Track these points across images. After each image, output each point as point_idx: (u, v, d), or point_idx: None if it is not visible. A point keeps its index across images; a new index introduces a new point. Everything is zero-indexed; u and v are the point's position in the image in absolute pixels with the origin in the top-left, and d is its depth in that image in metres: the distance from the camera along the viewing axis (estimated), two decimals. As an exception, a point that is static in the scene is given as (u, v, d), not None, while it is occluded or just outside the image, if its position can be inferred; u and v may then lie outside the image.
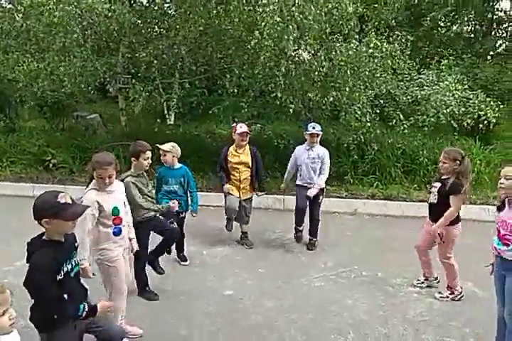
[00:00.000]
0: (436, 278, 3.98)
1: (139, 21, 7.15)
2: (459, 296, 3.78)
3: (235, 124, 4.92)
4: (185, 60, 7.06)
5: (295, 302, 3.75)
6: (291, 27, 5.04)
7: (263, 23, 5.19)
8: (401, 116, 6.43)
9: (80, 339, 2.30)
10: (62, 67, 7.03)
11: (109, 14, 6.90)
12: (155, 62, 6.99)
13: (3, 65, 8.40)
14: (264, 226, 5.54)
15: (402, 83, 6.61)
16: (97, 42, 7.46)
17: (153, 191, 3.95)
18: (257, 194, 4.95)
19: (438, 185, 3.65)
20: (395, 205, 6.12)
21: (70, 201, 2.06)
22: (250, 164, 4.74)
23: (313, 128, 4.68)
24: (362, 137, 6.41)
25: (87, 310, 2.15)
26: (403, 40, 6.67)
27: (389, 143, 6.94)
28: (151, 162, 3.62)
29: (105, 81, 7.59)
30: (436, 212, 3.64)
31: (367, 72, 5.92)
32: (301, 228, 4.98)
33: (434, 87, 6.22)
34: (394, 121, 6.50)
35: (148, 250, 3.78)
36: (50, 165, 7.74)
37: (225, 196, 4.83)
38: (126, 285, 3.07)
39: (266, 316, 3.53)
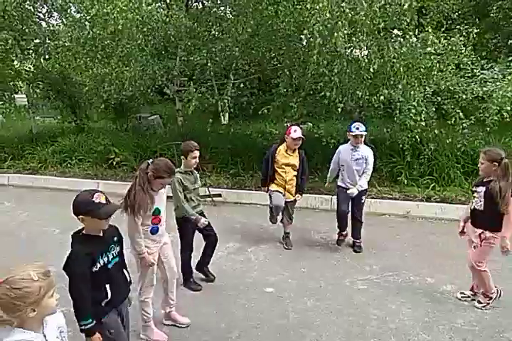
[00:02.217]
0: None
1: (195, 25, 7.40)
2: (498, 295, 3.58)
3: (288, 124, 4.88)
4: (238, 61, 7.19)
5: (336, 304, 3.70)
6: (340, 23, 4.94)
7: (313, 21, 5.14)
8: (461, 114, 6.04)
9: (123, 321, 2.46)
10: (126, 71, 7.52)
11: (167, 19, 7.26)
12: (209, 64, 7.21)
13: (73, 70, 9.17)
14: (309, 226, 5.51)
15: (463, 79, 6.20)
16: (156, 46, 7.85)
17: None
18: (297, 198, 4.85)
19: (482, 189, 3.39)
20: (452, 208, 5.78)
21: (104, 201, 2.18)
22: (297, 167, 4.70)
23: (357, 129, 4.50)
24: (417, 137, 6.10)
25: (88, 327, 2.18)
26: (465, 34, 6.26)
27: (448, 143, 6.54)
28: (198, 161, 3.78)
29: (163, 83, 7.97)
30: (482, 218, 3.41)
31: (422, 69, 5.63)
32: (344, 233, 4.90)
33: (497, 83, 5.78)
34: (453, 119, 6.12)
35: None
36: (114, 163, 8.28)
37: (270, 194, 4.85)
38: (154, 281, 3.18)
39: (305, 315, 3.53)
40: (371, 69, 5.24)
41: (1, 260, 1.52)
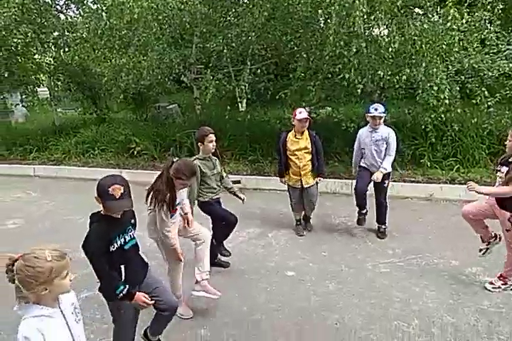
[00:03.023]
0: (496, 236, 3.64)
1: (210, 11, 7.32)
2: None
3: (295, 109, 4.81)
4: (254, 47, 7.10)
5: (358, 287, 3.68)
6: (358, 2, 4.78)
7: (329, 1, 5.00)
8: (486, 93, 5.81)
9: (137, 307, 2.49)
10: (143, 60, 7.54)
11: (182, 7, 7.20)
12: (225, 50, 7.15)
13: (92, 62, 9.27)
14: (330, 210, 5.48)
15: (487, 56, 5.95)
16: (172, 34, 7.82)
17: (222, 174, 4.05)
18: (318, 180, 4.76)
19: (505, 169, 3.26)
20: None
21: (118, 195, 2.18)
22: (310, 149, 4.59)
23: (376, 110, 4.35)
24: (442, 116, 5.90)
25: (124, 292, 2.28)
26: (490, 8, 5.97)
27: (472, 123, 6.32)
28: (215, 144, 3.79)
29: (180, 72, 7.96)
30: (502, 199, 3.27)
31: (444, 46, 5.42)
32: (364, 211, 4.79)
33: (524, 58, 5.53)
34: (478, 98, 5.90)
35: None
36: (135, 152, 8.40)
37: (288, 190, 4.83)
38: (179, 255, 3.18)
39: (326, 298, 3.53)
40: (391, 49, 5.08)
41: (26, 246, 1.59)
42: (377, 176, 4.45)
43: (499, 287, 3.50)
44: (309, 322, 3.22)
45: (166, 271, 3.29)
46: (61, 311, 1.71)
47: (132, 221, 2.45)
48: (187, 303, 3.42)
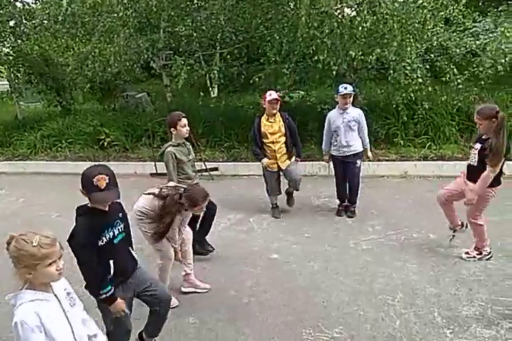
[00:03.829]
0: (462, 224, 3.83)
1: (177, -6, 7.08)
2: (487, 257, 3.62)
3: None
4: (225, 30, 6.94)
5: (342, 265, 3.74)
6: (327, -19, 4.74)
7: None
8: (455, 70, 5.92)
9: (130, 303, 2.43)
10: (108, 47, 7.26)
11: (147, -11, 6.93)
12: (194, 34, 6.97)
13: (54, 51, 8.85)
14: (309, 192, 5.50)
15: (455, 34, 6.05)
16: (139, 19, 7.53)
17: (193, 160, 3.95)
18: (295, 160, 4.75)
19: (478, 146, 3.38)
20: (449, 165, 5.78)
21: (103, 185, 2.08)
22: (284, 132, 4.57)
23: (345, 88, 4.39)
24: (412, 95, 5.99)
25: (108, 295, 2.21)
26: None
27: (442, 101, 6.45)
28: (188, 129, 3.70)
29: (149, 58, 7.71)
30: (474, 173, 3.40)
31: (416, 24, 5.46)
32: (344, 204, 4.88)
33: (490, 35, 5.64)
34: (447, 76, 6.01)
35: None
36: (105, 143, 8.14)
37: (264, 175, 4.78)
38: (172, 252, 3.21)
39: (312, 278, 3.56)
40: (362, 28, 5.07)
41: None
42: (369, 155, 4.72)
43: (474, 257, 3.64)
44: (297, 301, 3.24)
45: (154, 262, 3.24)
46: (55, 296, 1.70)
47: (120, 214, 2.35)
48: (173, 294, 3.36)
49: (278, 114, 4.58)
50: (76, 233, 2.12)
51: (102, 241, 2.19)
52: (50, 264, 1.61)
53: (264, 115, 4.60)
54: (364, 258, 3.83)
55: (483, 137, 3.37)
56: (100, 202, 2.17)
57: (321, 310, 3.11)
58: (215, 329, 2.98)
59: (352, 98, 4.50)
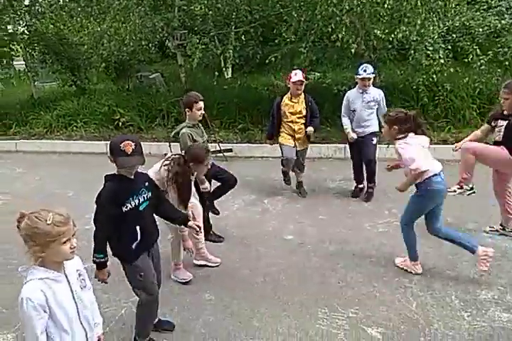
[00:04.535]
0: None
1: (193, -29, 6.92)
2: (469, 193, 3.61)
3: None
4: (240, 8, 6.79)
5: (357, 247, 3.71)
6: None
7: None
8: (478, 51, 5.72)
9: (156, 267, 2.54)
10: (123, 26, 7.17)
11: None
12: (210, 13, 6.83)
13: (69, 30, 8.79)
14: (325, 175, 5.46)
15: (478, 13, 5.82)
16: (154, -3, 7.41)
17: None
18: (306, 131, 4.57)
19: (503, 123, 3.34)
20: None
21: (130, 151, 2.18)
22: (304, 113, 4.52)
23: (365, 71, 4.29)
24: (434, 77, 5.82)
25: (100, 260, 2.27)
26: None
27: (463, 83, 6.26)
28: (203, 112, 3.64)
29: (164, 37, 7.62)
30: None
31: (439, 2, 5.25)
32: (361, 186, 4.82)
33: (516, 14, 5.42)
34: (470, 57, 5.81)
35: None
36: (120, 123, 8.16)
37: (281, 147, 4.73)
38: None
39: (327, 259, 3.55)
40: (386, 5, 4.89)
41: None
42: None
43: (454, 191, 3.59)
44: (312, 281, 3.24)
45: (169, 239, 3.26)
46: (66, 276, 1.67)
47: (146, 184, 2.42)
48: (186, 269, 3.41)
49: (302, 95, 4.51)
50: (101, 194, 2.24)
51: (127, 208, 2.26)
52: (64, 242, 1.59)
53: (288, 94, 4.54)
54: (380, 241, 3.79)
55: (505, 113, 3.31)
56: (126, 166, 2.24)
57: (336, 291, 3.11)
58: (231, 306, 3.00)
59: (371, 81, 4.38)
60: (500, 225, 3.75)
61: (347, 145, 4.83)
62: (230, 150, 6.75)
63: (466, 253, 3.45)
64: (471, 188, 3.64)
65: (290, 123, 4.56)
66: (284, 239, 3.97)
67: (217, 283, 3.30)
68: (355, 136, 4.55)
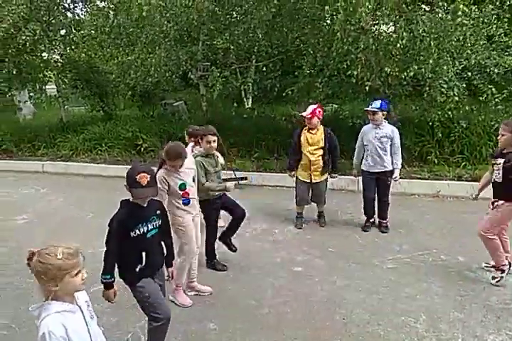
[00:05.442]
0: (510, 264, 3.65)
1: (217, 9, 7.32)
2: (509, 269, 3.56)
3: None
4: (261, 44, 7.10)
5: (365, 283, 3.70)
6: (363, -4, 4.78)
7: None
8: (493, 90, 5.78)
9: (163, 290, 2.68)
10: (150, 58, 7.57)
11: (189, 4, 7.22)
12: (231, 47, 7.16)
13: (99, 59, 9.32)
14: (336, 207, 5.49)
15: (495, 52, 5.92)
16: (179, 32, 7.82)
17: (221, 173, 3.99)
18: (331, 176, 4.87)
19: (501, 161, 3.32)
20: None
21: (145, 183, 2.35)
22: (323, 145, 4.65)
23: (370, 104, 4.48)
24: (450, 113, 5.90)
25: (107, 281, 2.40)
26: (498, 4, 5.93)
27: (479, 120, 6.30)
28: (213, 146, 3.70)
29: (187, 69, 7.98)
30: (501, 190, 3.36)
31: (453, 42, 5.40)
32: (371, 220, 4.86)
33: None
34: (485, 95, 5.88)
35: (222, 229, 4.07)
36: (142, 149, 8.45)
37: (296, 183, 4.87)
38: (194, 247, 3.42)
39: (334, 293, 3.55)
40: (399, 45, 5.07)
41: (35, 241, 1.64)
42: (396, 175, 4.61)
43: (501, 277, 3.54)
44: (317, 316, 3.24)
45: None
46: (79, 307, 1.76)
47: (158, 211, 2.56)
48: (185, 292, 3.53)
49: (321, 127, 4.68)
50: (113, 219, 2.40)
51: (135, 233, 2.41)
52: (76, 274, 1.67)
53: (307, 126, 4.70)
54: (388, 277, 3.77)
55: (504, 151, 3.35)
56: (140, 197, 2.41)
57: (340, 327, 3.10)
58: (234, 337, 3.03)
59: (381, 115, 4.50)
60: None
61: (360, 178, 4.89)
62: (245, 178, 6.84)
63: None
64: (509, 264, 3.62)
65: (307, 153, 4.70)
66: (292, 270, 3.99)
67: (222, 312, 3.34)
68: (357, 175, 4.92)
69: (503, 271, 3.55)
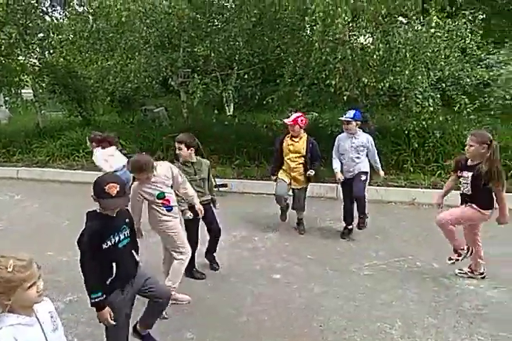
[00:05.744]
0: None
1: (198, 16, 7.36)
2: (468, 255, 3.71)
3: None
4: (242, 52, 7.17)
5: (342, 289, 3.74)
6: (340, 10, 4.89)
7: (314, 7, 5.10)
8: (466, 100, 5.99)
9: (131, 302, 2.57)
10: (130, 64, 7.53)
11: (170, 11, 7.24)
12: (212, 55, 7.19)
13: (78, 64, 9.20)
14: (315, 214, 5.55)
15: (468, 65, 6.14)
16: (160, 38, 7.82)
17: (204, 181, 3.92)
18: (308, 174, 4.74)
19: (468, 174, 3.44)
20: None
21: (114, 193, 2.24)
22: (304, 153, 4.69)
23: (344, 114, 4.59)
24: (425, 123, 6.08)
25: (96, 300, 2.29)
26: (471, 18, 6.17)
27: (453, 130, 6.51)
28: (182, 153, 3.67)
29: (167, 75, 7.96)
30: (472, 201, 3.49)
31: (428, 54, 5.58)
32: (350, 227, 4.90)
33: (503, 67, 5.72)
34: (458, 105, 6.08)
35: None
36: (121, 155, 8.32)
37: (277, 181, 4.90)
38: (189, 247, 3.44)
39: (312, 300, 3.57)
40: (376, 56, 5.21)
41: (9, 249, 1.60)
42: (381, 173, 4.82)
43: (456, 259, 3.74)
44: (295, 323, 3.25)
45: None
46: (38, 320, 1.66)
47: (127, 220, 2.51)
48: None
49: (305, 136, 4.73)
50: (83, 236, 2.29)
51: (106, 245, 2.32)
52: (29, 287, 1.57)
53: (290, 133, 4.75)
54: (365, 284, 3.83)
55: (469, 164, 3.44)
56: (109, 208, 2.33)
57: (318, 334, 3.12)
58: (212, 347, 3.01)
59: (354, 124, 4.58)
60: (469, 268, 3.87)
61: (339, 185, 4.95)
62: (225, 185, 6.87)
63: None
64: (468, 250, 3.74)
65: (288, 160, 4.75)
66: (271, 277, 4.00)
67: (201, 321, 3.31)
68: (342, 178, 4.69)
69: (460, 255, 3.69)
